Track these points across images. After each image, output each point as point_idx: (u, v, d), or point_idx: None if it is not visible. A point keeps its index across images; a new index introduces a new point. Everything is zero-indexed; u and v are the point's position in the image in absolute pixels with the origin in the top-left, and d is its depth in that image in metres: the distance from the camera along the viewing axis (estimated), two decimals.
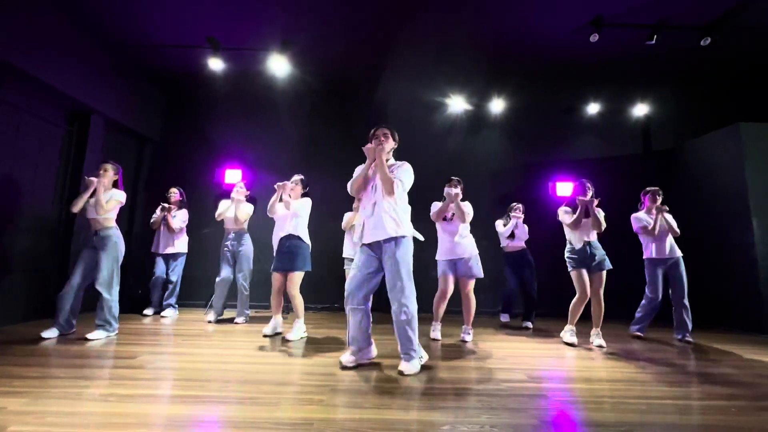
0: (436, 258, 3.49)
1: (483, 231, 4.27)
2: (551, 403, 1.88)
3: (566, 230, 3.46)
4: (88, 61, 4.23)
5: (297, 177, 3.56)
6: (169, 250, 4.40)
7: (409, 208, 2.54)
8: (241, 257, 4.08)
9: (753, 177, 4.32)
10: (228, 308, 4.27)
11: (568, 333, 3.34)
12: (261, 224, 4.50)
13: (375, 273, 2.44)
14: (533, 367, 2.56)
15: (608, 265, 3.28)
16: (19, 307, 3.71)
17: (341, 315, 4.71)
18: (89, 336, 2.98)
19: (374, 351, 2.55)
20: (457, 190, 3.37)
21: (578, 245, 3.32)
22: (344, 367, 2.36)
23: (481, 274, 3.38)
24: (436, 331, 3.42)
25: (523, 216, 4.31)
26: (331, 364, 2.50)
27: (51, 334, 3.02)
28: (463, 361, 2.69)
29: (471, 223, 3.47)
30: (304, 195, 3.55)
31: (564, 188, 5.26)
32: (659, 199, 3.75)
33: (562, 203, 3.62)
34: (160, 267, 4.41)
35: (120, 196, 3.26)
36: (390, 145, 2.55)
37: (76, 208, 3.15)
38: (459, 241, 3.37)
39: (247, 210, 4.14)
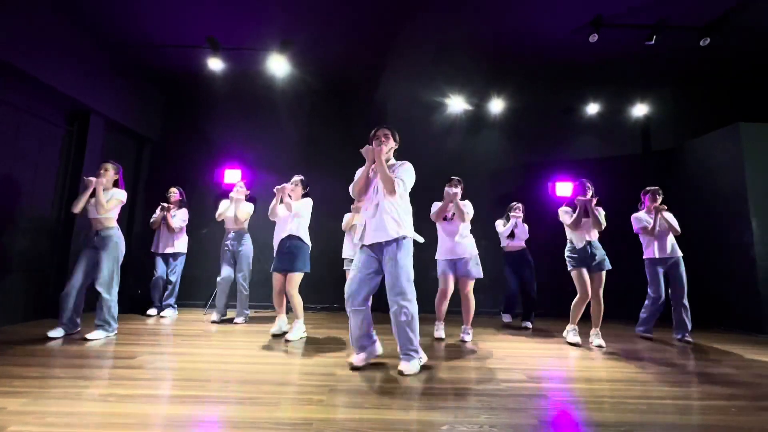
0: (436, 257, 3.49)
1: (483, 231, 4.27)
2: (551, 403, 1.88)
3: (567, 230, 3.47)
4: (88, 61, 4.23)
5: (297, 178, 3.55)
6: (169, 250, 4.40)
7: (410, 209, 2.53)
8: (240, 257, 4.08)
9: (752, 177, 4.32)
10: (228, 308, 4.27)
11: (571, 333, 3.35)
12: (261, 224, 4.50)
13: (375, 274, 2.43)
14: (533, 367, 2.56)
15: (608, 265, 3.28)
16: (18, 307, 3.71)
17: (341, 315, 4.71)
18: (88, 336, 2.99)
19: (379, 348, 2.54)
20: (456, 190, 3.37)
21: (579, 244, 3.33)
22: (355, 368, 2.35)
23: (480, 274, 3.38)
24: (439, 331, 3.43)
25: (522, 215, 4.31)
26: (331, 364, 2.50)
27: (57, 333, 3.03)
28: (463, 361, 2.69)
29: (471, 223, 3.47)
30: (304, 195, 3.55)
31: (564, 188, 5.26)
32: (659, 199, 3.74)
33: (561, 203, 3.62)
34: (160, 267, 4.41)
35: (121, 195, 3.26)
36: (390, 145, 2.54)
37: (77, 208, 3.15)
38: (459, 241, 3.37)
39: (247, 209, 4.14)
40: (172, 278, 4.41)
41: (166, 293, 4.39)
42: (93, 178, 3.15)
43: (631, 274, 4.41)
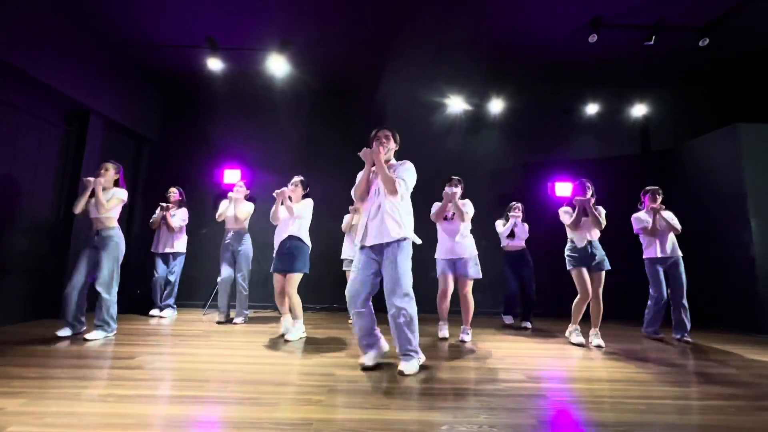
0: (436, 257, 3.49)
1: (483, 231, 4.27)
2: (550, 403, 1.88)
3: (568, 229, 3.47)
4: (88, 61, 4.23)
5: (297, 179, 3.54)
6: (168, 250, 4.40)
7: (411, 210, 2.53)
8: (240, 257, 4.07)
9: (751, 177, 4.33)
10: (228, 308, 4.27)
11: (574, 333, 3.35)
12: (261, 225, 4.49)
13: (375, 275, 2.43)
14: (532, 367, 2.57)
15: (607, 265, 3.29)
16: (18, 307, 3.71)
17: (340, 315, 4.71)
18: (88, 336, 2.98)
19: (385, 344, 2.52)
20: (456, 190, 3.37)
21: (580, 244, 3.33)
22: (366, 368, 2.35)
23: (479, 275, 3.38)
24: (443, 331, 3.44)
25: (521, 215, 4.31)
26: (330, 364, 2.50)
27: (65, 332, 3.04)
28: (462, 361, 2.69)
29: (471, 223, 3.47)
30: (305, 196, 3.54)
31: (563, 188, 5.26)
32: (659, 199, 3.75)
33: (561, 203, 3.62)
34: (161, 267, 4.41)
35: (122, 194, 3.26)
36: (391, 146, 2.54)
37: (78, 209, 3.16)
38: (459, 241, 3.37)
39: (247, 209, 4.13)
40: (172, 278, 4.40)
41: (166, 293, 4.39)
42: (91, 179, 3.15)
43: (631, 274, 4.41)
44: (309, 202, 3.47)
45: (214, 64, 4.62)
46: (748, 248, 4.23)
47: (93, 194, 3.17)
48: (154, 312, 4.31)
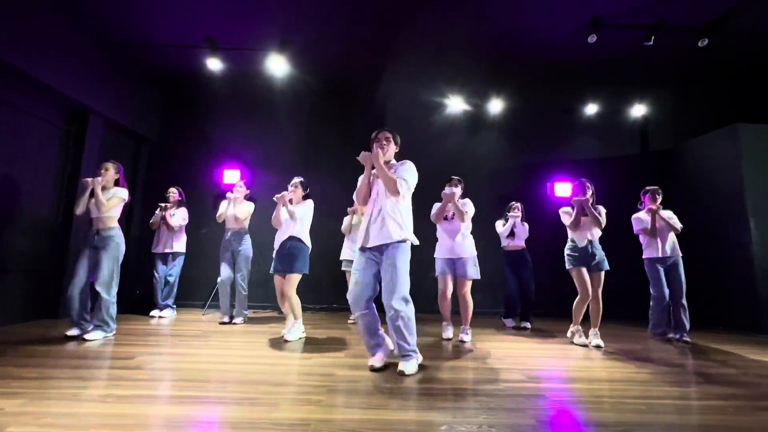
0: (435, 256, 3.49)
1: (483, 231, 4.27)
2: (549, 403, 1.88)
3: (569, 229, 3.47)
4: (87, 61, 4.23)
5: (296, 180, 3.54)
6: (168, 250, 4.39)
7: (411, 211, 2.53)
8: (240, 257, 4.07)
9: (750, 178, 4.33)
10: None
11: (576, 335, 3.35)
12: (261, 225, 4.49)
13: (376, 276, 2.43)
14: (531, 367, 2.57)
15: (606, 266, 3.29)
16: (17, 307, 3.71)
17: (339, 315, 4.71)
18: (87, 336, 2.98)
19: (391, 343, 2.52)
20: (456, 190, 3.37)
21: (581, 244, 3.33)
22: (375, 369, 2.34)
23: (477, 276, 3.38)
24: (447, 332, 3.44)
25: (521, 215, 4.30)
26: (330, 364, 2.50)
27: (74, 332, 3.04)
28: (462, 361, 2.69)
29: (471, 222, 3.47)
30: (305, 197, 3.54)
31: (563, 188, 5.27)
32: (659, 199, 3.75)
33: (560, 203, 3.63)
34: (160, 267, 4.41)
35: (122, 193, 3.25)
36: (391, 149, 2.54)
37: (79, 210, 3.15)
38: (460, 241, 3.37)
39: (246, 208, 4.12)
40: (171, 278, 4.40)
41: (165, 293, 4.39)
42: (89, 179, 3.15)
43: (631, 274, 4.41)
44: (309, 204, 3.47)
45: (214, 64, 4.62)
46: (747, 248, 4.23)
47: (93, 194, 3.17)
48: (153, 312, 4.31)
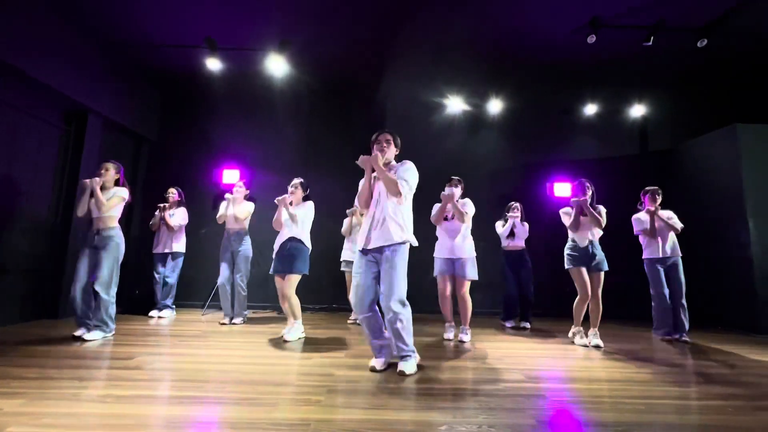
0: (434, 255, 3.48)
1: (482, 232, 4.27)
2: (549, 403, 1.88)
3: (570, 230, 3.47)
4: (86, 61, 4.22)
5: (296, 180, 3.53)
6: (168, 250, 4.39)
7: (411, 211, 2.53)
8: (239, 257, 4.06)
9: (749, 178, 4.33)
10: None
11: (578, 336, 3.35)
12: (260, 226, 4.49)
13: (376, 278, 2.43)
14: (531, 367, 2.57)
15: (606, 266, 3.29)
16: (16, 307, 3.70)
17: (339, 315, 4.71)
18: (86, 336, 2.98)
19: (394, 346, 2.52)
20: (453, 191, 3.37)
21: (582, 244, 3.33)
22: (376, 370, 2.34)
23: (475, 276, 3.37)
24: (449, 333, 3.44)
25: (520, 215, 4.30)
26: (329, 364, 2.50)
27: (81, 332, 3.04)
28: (461, 362, 2.69)
29: (471, 222, 3.47)
30: (305, 198, 3.54)
31: (562, 188, 5.27)
32: (659, 199, 3.75)
33: (560, 203, 3.64)
34: (160, 268, 4.40)
35: (123, 193, 3.25)
36: (391, 151, 2.53)
37: (80, 211, 3.15)
38: (460, 242, 3.37)
39: (246, 208, 4.11)
40: (170, 279, 4.40)
41: (164, 294, 4.38)
42: (87, 180, 3.15)
43: (631, 274, 4.41)
44: (310, 206, 3.47)
45: (213, 64, 4.62)
46: (746, 248, 4.23)
47: (93, 195, 3.17)
48: (152, 313, 4.31)
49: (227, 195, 4.06)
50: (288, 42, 4.44)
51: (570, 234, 3.45)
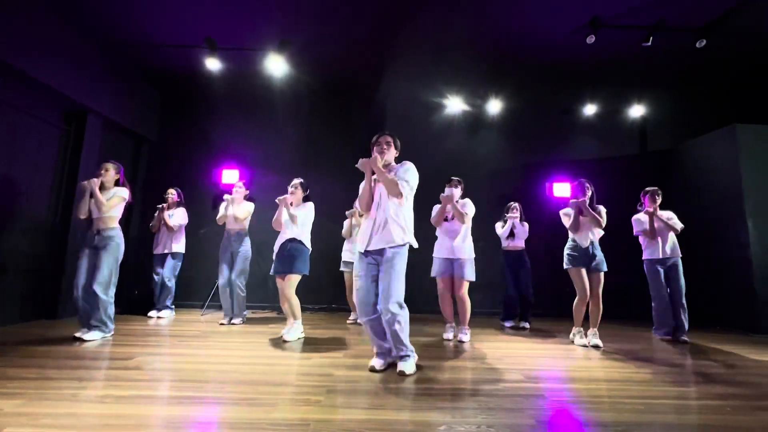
0: (434, 255, 3.48)
1: (482, 232, 4.27)
2: (548, 404, 1.88)
3: (570, 231, 3.47)
4: (86, 60, 4.22)
5: (296, 181, 3.53)
6: (167, 251, 4.39)
7: (412, 213, 2.53)
8: (238, 258, 4.06)
9: (749, 178, 4.34)
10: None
11: (578, 336, 3.35)
12: (260, 226, 4.49)
13: (377, 279, 2.43)
14: (530, 368, 2.57)
15: (605, 267, 3.30)
16: (15, 307, 3.70)
17: (338, 316, 4.71)
18: (85, 337, 2.97)
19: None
20: (452, 191, 3.37)
21: (584, 244, 3.33)
22: (376, 370, 2.34)
23: (473, 277, 3.37)
24: (448, 333, 3.44)
25: (519, 215, 4.29)
26: (329, 364, 2.50)
27: (81, 333, 3.03)
28: (461, 362, 2.69)
29: (471, 222, 3.47)
30: (305, 198, 3.54)
31: (561, 189, 5.27)
32: (658, 200, 3.75)
33: (559, 203, 3.63)
34: (159, 268, 4.40)
35: (123, 193, 3.25)
36: (391, 153, 2.53)
37: (81, 213, 3.15)
38: (459, 242, 3.37)
39: (246, 208, 4.11)
40: (170, 281, 4.39)
41: (163, 294, 4.38)
42: (86, 182, 3.14)
43: (631, 274, 4.42)
44: (310, 207, 3.47)
45: (213, 64, 4.62)
46: (746, 248, 4.23)
47: (93, 195, 3.16)
48: (151, 313, 4.31)
49: (226, 196, 4.06)
50: (288, 42, 4.44)
51: (571, 234, 3.45)
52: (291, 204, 3.42)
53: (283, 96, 5.46)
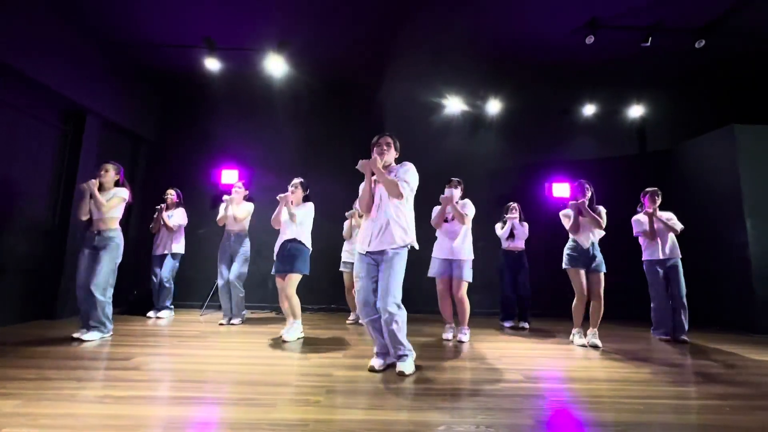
0: (433, 255, 3.48)
1: (482, 232, 4.27)
2: (547, 404, 1.88)
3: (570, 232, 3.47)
4: (85, 61, 4.21)
5: (296, 180, 3.53)
6: (166, 251, 4.38)
7: (413, 213, 2.53)
8: (238, 258, 4.05)
9: (747, 178, 4.34)
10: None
11: (577, 336, 3.35)
12: (260, 226, 4.48)
13: (377, 280, 2.43)
14: (530, 368, 2.57)
15: (604, 268, 3.30)
16: (14, 307, 3.69)
17: (338, 316, 4.71)
18: (84, 337, 2.97)
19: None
20: (452, 192, 3.36)
21: (585, 245, 3.33)
22: (375, 370, 2.34)
23: (470, 278, 3.37)
24: (448, 333, 3.44)
25: (518, 215, 4.29)
26: (328, 365, 2.50)
27: (80, 333, 3.02)
28: (460, 362, 2.69)
29: (471, 222, 3.47)
30: (305, 198, 3.54)
31: (561, 189, 5.28)
32: (658, 200, 3.76)
33: (558, 203, 3.63)
34: (158, 269, 4.39)
35: (123, 193, 3.24)
36: (392, 154, 2.53)
37: (83, 215, 3.14)
38: (459, 243, 3.37)
39: (246, 208, 4.10)
40: (169, 279, 4.38)
41: (163, 294, 4.37)
42: (84, 184, 3.14)
43: (630, 274, 4.42)
44: (310, 207, 3.47)
45: (212, 64, 4.61)
46: (744, 248, 4.24)
47: (92, 196, 3.16)
48: (150, 313, 4.30)
49: (225, 196, 4.05)
50: (287, 42, 4.43)
51: (571, 235, 3.45)
52: (291, 203, 3.41)
53: (283, 96, 5.46)
